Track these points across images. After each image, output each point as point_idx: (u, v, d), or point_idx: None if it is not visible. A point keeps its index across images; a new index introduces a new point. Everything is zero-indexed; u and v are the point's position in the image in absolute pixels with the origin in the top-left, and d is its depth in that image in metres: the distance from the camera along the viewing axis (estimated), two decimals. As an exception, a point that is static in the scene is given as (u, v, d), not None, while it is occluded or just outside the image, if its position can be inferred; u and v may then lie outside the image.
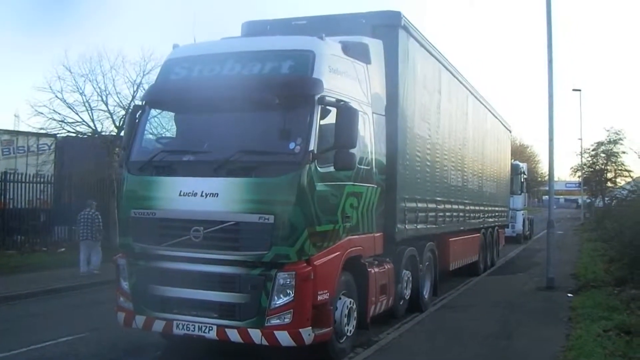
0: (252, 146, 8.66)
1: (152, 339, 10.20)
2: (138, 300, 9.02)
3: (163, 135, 10.34)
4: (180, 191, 8.67)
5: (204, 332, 8.53)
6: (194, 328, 8.58)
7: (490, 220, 20.89)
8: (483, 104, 19.62)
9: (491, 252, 21.66)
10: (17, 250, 21.97)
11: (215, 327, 8.46)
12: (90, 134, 24.50)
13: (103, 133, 24.41)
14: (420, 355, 9.69)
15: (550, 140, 17.02)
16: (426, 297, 13.65)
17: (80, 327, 11.39)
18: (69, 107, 23.76)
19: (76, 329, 11.23)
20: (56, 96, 23.46)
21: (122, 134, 22.71)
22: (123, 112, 23.69)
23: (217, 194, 8.45)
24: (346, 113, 8.57)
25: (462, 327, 11.50)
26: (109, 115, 24.22)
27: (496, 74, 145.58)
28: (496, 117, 22.09)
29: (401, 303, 12.20)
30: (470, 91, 17.55)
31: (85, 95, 23.84)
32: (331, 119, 8.65)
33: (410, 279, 12.44)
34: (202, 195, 8.51)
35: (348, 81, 9.62)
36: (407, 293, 12.32)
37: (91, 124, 24.16)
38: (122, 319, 9.24)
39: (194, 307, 8.65)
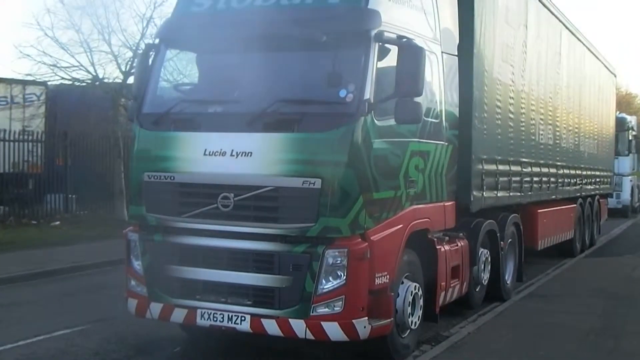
0: (293, 94, 8.74)
1: (171, 332, 10.45)
2: (153, 284, 9.20)
3: (182, 81, 10.47)
4: (205, 150, 8.79)
5: (234, 322, 8.69)
6: (223, 318, 8.74)
7: (589, 187, 20.76)
8: (581, 41, 19.38)
9: (590, 227, 21.57)
10: (0, 224, 22.43)
11: (248, 317, 8.61)
12: (89, 81, 24.76)
13: (105, 80, 24.69)
14: (502, 355, 9.76)
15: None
16: (508, 283, 13.73)
17: (80, 318, 11.60)
18: (63, 48, 23.92)
19: (75, 320, 11.45)
20: (45, 34, 23.66)
21: (130, 80, 23.27)
22: (130, 54, 23.94)
23: (251, 153, 8.56)
24: (410, 52, 8.55)
25: (554, 322, 11.53)
26: (113, 58, 24.39)
27: (596, 3, 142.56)
28: (597, 58, 21.80)
29: (477, 290, 12.33)
30: (565, 25, 17.35)
31: (82, 33, 23.88)
32: (391, 60, 8.64)
33: (489, 259, 12.53)
34: (232, 155, 8.62)
35: (412, 13, 9.60)
36: (485, 277, 12.43)
37: (90, 69, 24.38)
38: (134, 307, 9.45)
39: (223, 293, 8.81)
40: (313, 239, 8.37)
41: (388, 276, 8.79)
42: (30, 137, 24.36)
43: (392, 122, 8.75)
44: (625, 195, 32.83)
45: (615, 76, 25.14)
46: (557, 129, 16.95)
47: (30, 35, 39.33)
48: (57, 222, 23.29)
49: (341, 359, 9.64)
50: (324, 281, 8.31)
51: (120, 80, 24.50)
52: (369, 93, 8.42)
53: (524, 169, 14.29)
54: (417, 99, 8.65)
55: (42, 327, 11.08)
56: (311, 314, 8.34)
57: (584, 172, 20.07)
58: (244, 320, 8.64)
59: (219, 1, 9.43)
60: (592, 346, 10.20)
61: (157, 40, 10.07)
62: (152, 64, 9.79)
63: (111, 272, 15.21)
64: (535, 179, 15.14)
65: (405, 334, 9.50)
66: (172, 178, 9.05)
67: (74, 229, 22.15)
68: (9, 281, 14.97)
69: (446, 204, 10.69)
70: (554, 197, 16.81)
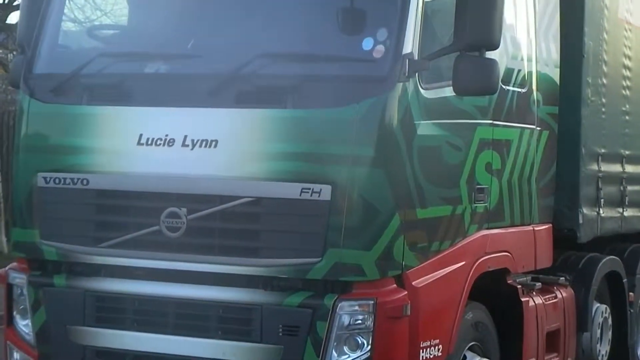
0: (287, 46, 8.94)
1: None
2: (51, 358, 9.36)
3: (99, 23, 10.62)
4: (141, 136, 8.94)
5: None
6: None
7: None
8: None
9: None
10: None
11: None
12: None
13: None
14: None
15: None
16: (642, 358, 13.87)
17: None
18: None
19: None
20: None
21: (11, 19, 23.32)
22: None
23: (216, 142, 8.69)
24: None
25: None
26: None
27: None
28: None
29: (590, 370, 12.49)
30: None
31: None
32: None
33: (610, 321, 12.67)
34: (185, 145, 8.77)
35: None
36: (604, 351, 12.56)
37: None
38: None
39: (171, 376, 9.00)
40: (318, 284, 8.50)
41: (441, 347, 8.92)
42: None
43: (449, 92, 8.91)
44: None
45: None
46: None
47: None
48: None
49: None
50: (335, 354, 8.42)
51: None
52: (410, 45, 8.54)
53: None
54: (491, 54, 8.80)
55: None
56: (313, 412, 8.49)
57: None
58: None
59: None
60: None
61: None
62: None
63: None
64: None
65: None
66: (84, 182, 9.20)
67: None
68: None
69: (537, 228, 10.88)
70: None
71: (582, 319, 11.91)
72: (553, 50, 11.01)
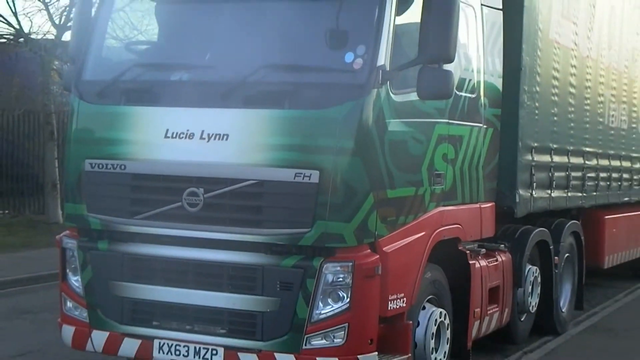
0: (284, 58, 8.85)
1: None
2: (96, 307, 9.31)
3: (136, 39, 10.55)
4: (167, 131, 8.90)
5: (203, 357, 8.78)
6: (188, 351, 8.84)
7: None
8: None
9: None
10: None
11: (221, 351, 8.71)
12: (11, 37, 24.80)
13: (33, 36, 24.68)
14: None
15: None
16: (564, 311, 13.85)
17: (-1, 351, 11.73)
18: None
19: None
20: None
21: (66, 37, 23.19)
22: (66, 2, 23.97)
23: (227, 136, 8.66)
24: (439, 5, 8.58)
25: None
26: (43, 7, 24.45)
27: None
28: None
29: (523, 319, 12.45)
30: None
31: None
32: (414, 14, 8.76)
33: (539, 280, 12.65)
34: (202, 138, 8.73)
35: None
36: (533, 303, 12.52)
37: (13, 20, 24.46)
38: (70, 336, 9.55)
39: (188, 318, 8.93)
40: (308, 250, 8.47)
41: (405, 299, 8.92)
42: None
43: (414, 96, 8.85)
44: None
45: None
46: (634, 109, 17.00)
47: None
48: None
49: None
50: (321, 304, 8.41)
51: (52, 37, 24.52)
52: (383, 58, 8.49)
53: (587, 162, 14.38)
54: (447, 67, 8.75)
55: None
56: (303, 347, 8.42)
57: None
58: (216, 354, 8.74)
59: None
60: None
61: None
62: (95, 15, 9.88)
63: (40, 291, 15.31)
64: (602, 175, 15.21)
65: (427, 377, 9.67)
66: (122, 167, 9.16)
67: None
68: None
69: (483, 205, 10.85)
70: (627, 199, 16.90)
71: (518, 278, 11.91)
72: (497, 63, 10.97)
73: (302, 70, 8.76)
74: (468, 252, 10.37)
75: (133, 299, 9.13)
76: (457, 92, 9.72)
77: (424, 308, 9.48)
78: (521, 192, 11.67)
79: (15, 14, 24.31)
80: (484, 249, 10.89)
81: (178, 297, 8.92)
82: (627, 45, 16.32)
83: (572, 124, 13.68)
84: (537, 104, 12.11)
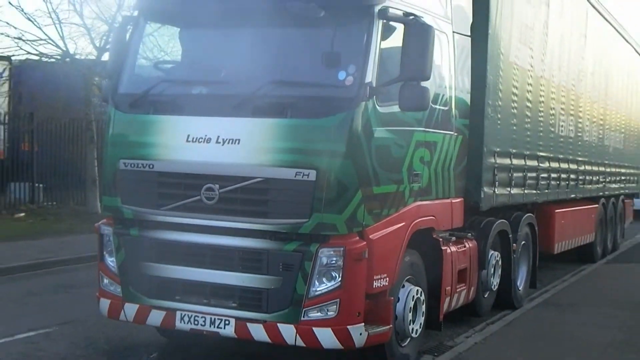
0: (286, 76, 8.84)
1: (147, 336, 10.56)
2: (128, 283, 9.30)
3: (162, 59, 10.52)
4: (188, 136, 8.87)
5: (217, 326, 8.77)
6: (205, 321, 8.84)
7: (613, 186, 20.83)
8: (610, 23, 19.39)
9: (613, 230, 21.63)
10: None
11: (233, 321, 8.70)
12: (58, 57, 24.75)
13: (77, 56, 24.71)
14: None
15: None
16: (521, 289, 13.86)
17: (46, 319, 11.68)
18: (29, 19, 23.81)
19: (41, 322, 11.50)
20: (9, 3, 23.53)
21: (104, 57, 23.24)
22: (105, 28, 23.92)
23: (239, 141, 8.63)
24: (417, 32, 8.59)
25: (571, 334, 11.62)
26: (85, 32, 24.42)
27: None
28: (628, 42, 21.81)
29: (486, 296, 12.44)
30: (591, 4, 17.36)
31: (50, 3, 23.92)
32: (396, 40, 8.71)
33: (500, 263, 12.63)
34: (217, 142, 8.71)
35: (420, -14, 9.69)
36: (495, 283, 12.51)
37: (60, 43, 24.33)
38: (107, 307, 9.53)
39: (205, 294, 8.90)
40: (306, 237, 8.46)
41: (388, 279, 8.88)
42: (-9, 119, 24.38)
43: (395, 108, 8.83)
44: (655, 196, 32.80)
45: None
46: (580, 121, 17.00)
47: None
48: (22, 214, 23.33)
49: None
50: (317, 283, 8.40)
51: (93, 57, 24.53)
52: (370, 76, 8.49)
53: (541, 164, 14.37)
54: (424, 84, 8.74)
55: (3, 329, 11.09)
56: (302, 318, 8.43)
57: (608, 169, 20.11)
58: (228, 324, 8.73)
59: None
60: (612, 361, 10.31)
61: (135, 13, 10.06)
62: (129, 39, 9.84)
63: (81, 270, 15.30)
64: (553, 175, 15.22)
65: (405, 343, 9.60)
66: (150, 166, 9.14)
67: (40, 222, 22.20)
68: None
69: (454, 201, 10.78)
70: (573, 196, 16.89)
71: (482, 261, 11.89)
72: (466, 81, 10.91)
73: (301, 86, 8.74)
74: (441, 239, 10.33)
75: (159, 277, 9.09)
76: (433, 105, 9.66)
77: (403, 286, 9.43)
78: (485, 189, 11.63)
79: (62, 38, 24.33)
80: (454, 237, 10.83)
81: (197, 275, 8.90)
82: (573, 68, 16.34)
83: (528, 133, 13.65)
84: (499, 116, 12.07)
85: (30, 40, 24.15)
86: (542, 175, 14.50)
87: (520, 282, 13.87)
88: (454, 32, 10.45)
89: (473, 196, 11.36)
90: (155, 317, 9.16)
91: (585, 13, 17.01)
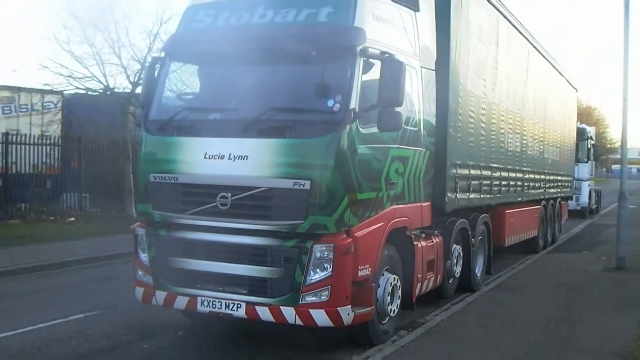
0: (285, 103, 8.77)
1: (174, 317, 10.46)
2: (158, 274, 9.23)
3: (184, 91, 10.47)
4: (205, 153, 8.80)
5: (231, 309, 8.70)
6: (221, 305, 8.76)
7: (551, 191, 20.81)
8: (546, 59, 19.42)
9: (552, 226, 21.59)
10: (21, 219, 22.41)
11: (244, 305, 8.63)
12: (101, 91, 24.73)
13: (116, 90, 24.64)
14: (471, 341, 9.76)
15: (625, 99, 16.67)
16: (478, 275, 13.78)
17: (93, 304, 11.67)
18: (77, 61, 23.79)
19: (88, 306, 11.51)
20: (62, 48, 23.56)
21: (138, 90, 23.26)
22: (138, 66, 23.91)
23: (247, 157, 8.57)
24: (391, 67, 8.58)
25: (519, 311, 11.56)
26: (123, 70, 24.33)
27: (560, 25, 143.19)
28: (561, 74, 21.85)
29: (450, 281, 12.36)
30: (532, 44, 17.39)
31: (95, 47, 23.81)
32: (374, 73, 8.67)
33: (461, 254, 12.58)
34: (229, 158, 8.64)
35: (394, 30, 9.63)
36: (458, 270, 12.46)
37: (102, 80, 24.28)
38: (141, 294, 9.46)
39: (221, 282, 8.83)
40: (302, 235, 8.40)
41: (370, 269, 8.82)
42: (48, 142, 24.31)
43: (374, 129, 8.78)
44: (584, 199, 32.96)
45: (576, 90, 25.13)
46: (524, 138, 16.97)
47: (49, 49, 39.12)
48: (72, 219, 23.24)
49: (327, 343, 9.63)
50: (312, 273, 8.34)
51: (129, 90, 24.47)
52: (354, 103, 8.44)
53: (493, 174, 14.30)
54: (398, 109, 8.70)
55: (58, 312, 11.13)
56: (300, 302, 8.37)
57: (548, 177, 20.10)
58: (240, 307, 8.65)
59: (219, 19, 9.44)
60: (551, 333, 10.22)
61: (162, 54, 10.06)
62: (157, 75, 9.81)
63: (120, 264, 15.20)
64: (503, 182, 15.15)
65: (385, 321, 9.53)
66: (175, 179, 9.07)
67: (87, 225, 22.14)
68: (29, 271, 15.03)
69: (423, 204, 10.69)
70: (520, 199, 16.83)
71: (447, 253, 11.84)
72: (432, 107, 10.84)
73: (298, 112, 8.68)
74: (413, 236, 10.28)
75: (183, 269, 9.02)
76: (405, 127, 9.59)
77: (383, 275, 9.37)
78: (449, 194, 11.56)
79: (104, 75, 24.34)
80: (424, 234, 10.79)
81: (214, 268, 8.83)
82: (518, 95, 16.30)
83: (483, 148, 13.58)
84: (459, 135, 12.01)
85: (78, 78, 24.21)
86: (495, 182, 14.44)
87: (478, 270, 13.80)
88: (421, 67, 10.39)
89: (439, 200, 11.27)
90: (181, 302, 9.08)
91: (527, 51, 17.02)
